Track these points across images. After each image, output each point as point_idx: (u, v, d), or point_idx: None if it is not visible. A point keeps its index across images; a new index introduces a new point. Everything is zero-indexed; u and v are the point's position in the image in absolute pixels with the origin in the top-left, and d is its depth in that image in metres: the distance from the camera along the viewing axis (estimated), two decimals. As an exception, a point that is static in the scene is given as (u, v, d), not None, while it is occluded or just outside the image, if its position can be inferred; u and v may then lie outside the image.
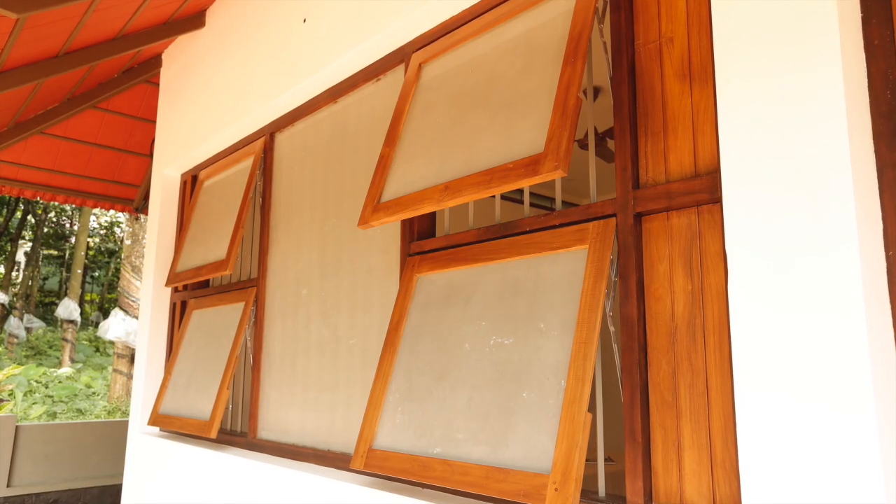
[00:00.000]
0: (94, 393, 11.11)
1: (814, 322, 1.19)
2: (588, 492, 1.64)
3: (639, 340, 1.56)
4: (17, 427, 5.46)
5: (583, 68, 1.70)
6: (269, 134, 3.30)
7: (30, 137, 4.77)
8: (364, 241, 2.57)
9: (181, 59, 4.22)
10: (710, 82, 1.54)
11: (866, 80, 1.27)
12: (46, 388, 11.08)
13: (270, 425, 2.94)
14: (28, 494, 5.40)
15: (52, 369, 12.79)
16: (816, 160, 1.23)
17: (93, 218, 20.46)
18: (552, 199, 5.16)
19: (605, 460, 2.27)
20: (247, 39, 3.42)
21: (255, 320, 3.13)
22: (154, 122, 4.89)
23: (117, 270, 21.03)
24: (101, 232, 21.79)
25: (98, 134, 5.08)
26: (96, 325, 18.87)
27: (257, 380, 3.06)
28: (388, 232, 2.44)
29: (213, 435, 2.86)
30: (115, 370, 9.56)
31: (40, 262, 19.35)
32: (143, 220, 9.47)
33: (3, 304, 16.40)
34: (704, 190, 1.49)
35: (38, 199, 5.48)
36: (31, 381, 11.17)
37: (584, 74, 1.70)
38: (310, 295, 2.84)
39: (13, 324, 14.93)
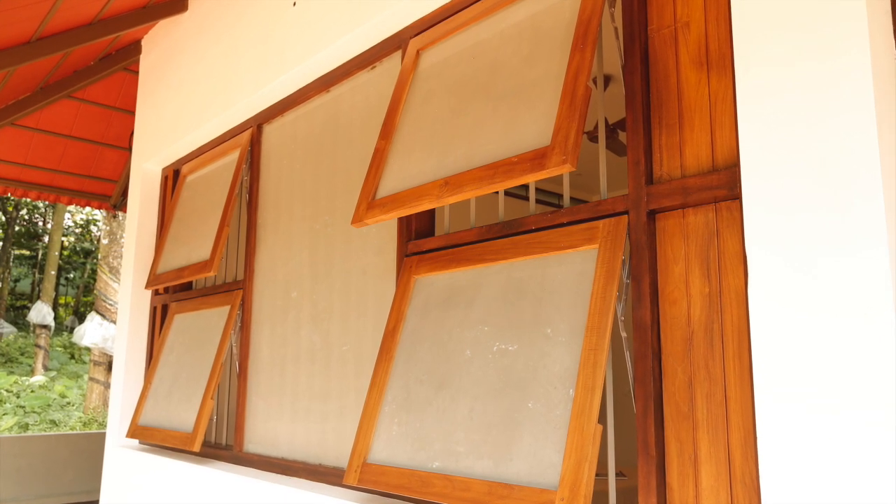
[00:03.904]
0: (68, 403, 11.12)
1: (839, 326, 1.19)
2: (598, 509, 1.64)
3: (652, 347, 1.56)
4: (-14, 440, 5.48)
5: (592, 55, 1.70)
6: (257, 125, 3.30)
7: (0, 129, 4.77)
8: (358, 241, 2.57)
9: (162, 46, 4.22)
10: (729, 70, 1.54)
11: (896, 68, 1.27)
12: (18, 397, 11.08)
13: (258, 438, 2.94)
14: (-2, 511, 5.40)
15: (23, 378, 12.78)
16: (842, 154, 1.23)
17: (67, 215, 20.45)
18: (560, 196, 5.17)
19: (617, 475, 2.26)
20: (232, 24, 3.42)
21: (242, 325, 3.13)
22: (133, 112, 4.89)
23: (94, 272, 21.03)
24: (77, 230, 21.80)
25: (73, 125, 5.08)
26: (71, 330, 18.87)
27: (244, 389, 3.06)
28: (384, 231, 2.44)
29: (197, 448, 2.87)
30: (91, 379, 9.56)
31: (11, 263, 19.35)
32: (121, 218, 9.47)
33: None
34: (723, 185, 1.49)
35: (9, 195, 5.48)
36: (2, 391, 11.17)
37: (593, 62, 1.70)
38: (300, 298, 2.84)
39: (-18, 329, 14.95)
